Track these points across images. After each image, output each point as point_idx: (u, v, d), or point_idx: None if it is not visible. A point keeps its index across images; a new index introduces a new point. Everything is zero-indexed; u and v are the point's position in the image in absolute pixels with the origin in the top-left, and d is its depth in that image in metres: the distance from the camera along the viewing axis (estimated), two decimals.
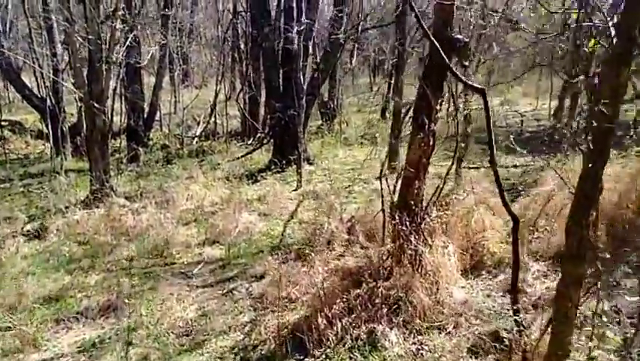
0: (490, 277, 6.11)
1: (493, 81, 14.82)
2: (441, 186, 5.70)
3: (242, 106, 17.47)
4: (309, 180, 12.01)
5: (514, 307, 4.44)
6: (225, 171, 12.50)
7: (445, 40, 5.09)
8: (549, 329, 3.70)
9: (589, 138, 3.22)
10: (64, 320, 5.98)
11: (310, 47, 13.08)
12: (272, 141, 13.89)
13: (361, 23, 15.09)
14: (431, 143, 5.39)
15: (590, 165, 3.22)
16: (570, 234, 3.42)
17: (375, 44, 23.94)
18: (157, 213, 9.04)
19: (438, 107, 5.29)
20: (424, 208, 5.51)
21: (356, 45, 17.43)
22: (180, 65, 21.76)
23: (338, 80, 19.21)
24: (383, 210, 5.72)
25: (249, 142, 15.85)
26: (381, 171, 11.26)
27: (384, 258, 5.42)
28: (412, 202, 5.49)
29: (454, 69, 4.75)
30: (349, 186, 11.65)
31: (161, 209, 9.33)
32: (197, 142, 16.66)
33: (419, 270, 5.22)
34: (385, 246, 5.46)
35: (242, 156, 13.95)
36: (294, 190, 11.26)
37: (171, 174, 11.88)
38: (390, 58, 20.40)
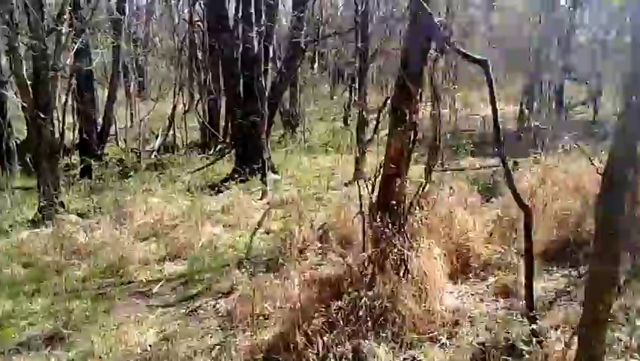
0: (479, 280, 5.62)
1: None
2: (423, 183, 5.15)
3: (201, 116, 16.72)
4: (275, 188, 11.37)
5: (531, 314, 3.91)
6: (186, 183, 11.76)
7: (424, 24, 4.60)
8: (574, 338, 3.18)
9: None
10: (2, 353, 5.14)
11: (271, 52, 12.49)
12: (234, 150, 13.19)
13: (321, 28, 14.62)
14: (412, 137, 4.86)
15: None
16: (602, 224, 2.91)
17: (334, 53, 23.56)
18: (112, 229, 8.24)
19: (418, 97, 4.76)
20: (407, 208, 4.95)
21: (317, 51, 16.93)
22: (135, 77, 20.88)
23: (299, 88, 18.70)
24: (362, 213, 5.15)
25: (210, 153, 15.11)
26: (357, 168, 10.83)
27: (366, 265, 4.83)
28: (394, 202, 4.93)
29: (450, 41, 4.25)
30: (317, 193, 11.07)
31: (117, 224, 8.52)
32: (155, 156, 15.77)
33: (405, 276, 4.66)
34: (366, 251, 4.86)
35: (203, 167, 13.21)
36: (260, 200, 10.61)
37: (128, 187, 11.03)
38: (351, 65, 20.08)
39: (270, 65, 12.29)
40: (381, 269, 4.70)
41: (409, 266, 4.69)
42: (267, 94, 10.94)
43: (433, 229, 5.48)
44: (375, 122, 5.12)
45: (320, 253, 6.73)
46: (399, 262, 4.69)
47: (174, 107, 16.56)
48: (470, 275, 5.66)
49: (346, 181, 11.91)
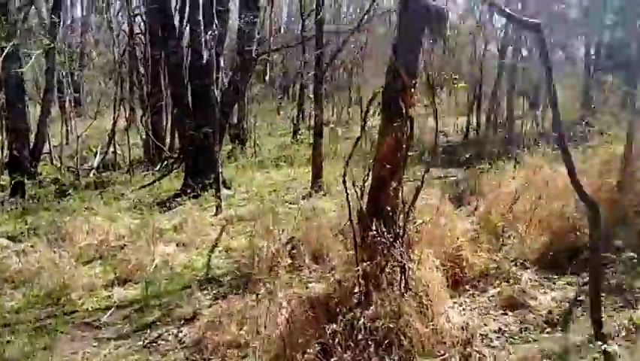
0: (478, 292, 5.08)
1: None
2: (418, 186, 4.54)
3: (145, 131, 15.64)
4: (229, 204, 10.56)
5: (600, 332, 3.32)
6: (132, 201, 10.74)
7: (420, 8, 4.06)
8: None
9: None
10: None
11: (222, 61, 11.71)
12: (184, 164, 12.26)
13: (271, 39, 14.01)
14: (409, 132, 4.26)
15: None
16: None
17: (280, 68, 23.03)
18: (50, 252, 7.17)
19: (414, 89, 4.18)
20: (405, 213, 4.34)
21: (267, 63, 16.28)
22: (71, 93, 19.46)
23: (246, 101, 17.94)
24: (351, 221, 4.48)
25: (156, 169, 14.05)
26: (314, 180, 10.13)
27: (359, 280, 4.16)
28: (389, 207, 4.31)
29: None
30: (274, 207, 10.34)
31: (55, 247, 7.44)
32: (95, 174, 14.51)
33: (406, 291, 4.03)
34: (359, 265, 4.18)
35: (150, 184, 12.19)
36: (214, 215, 9.76)
37: (66, 207, 9.90)
38: (299, 79, 19.58)
39: (221, 73, 11.50)
40: (376, 285, 4.05)
41: (409, 280, 4.06)
42: (219, 104, 10.14)
43: (424, 237, 4.90)
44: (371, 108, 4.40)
45: (291, 270, 6.01)
46: (398, 276, 4.05)
47: (114, 123, 15.38)
48: (467, 287, 5.12)
49: (304, 194, 11.29)
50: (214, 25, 10.47)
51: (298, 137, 18.63)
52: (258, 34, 12.27)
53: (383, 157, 4.34)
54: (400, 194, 4.37)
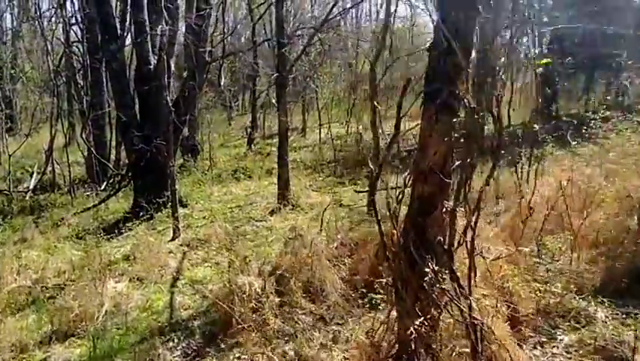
0: (545, 338, 3.85)
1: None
2: (476, 203, 3.26)
3: (87, 146, 13.90)
4: (188, 225, 9.16)
5: None
6: (74, 227, 9.16)
7: None
8: None
9: None
10: None
11: (173, 65, 10.25)
12: (132, 182, 10.71)
13: (226, 44, 12.65)
14: (475, 131, 2.98)
15: None
16: None
17: (229, 75, 21.53)
18: None
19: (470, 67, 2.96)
20: (470, 244, 3.04)
21: (222, 68, 14.87)
22: (2, 110, 17.42)
23: (198, 111, 16.42)
24: (388, 260, 3.19)
25: (101, 188, 12.40)
26: (281, 193, 9.02)
27: (412, 342, 2.88)
28: (441, 237, 3.05)
29: None
30: (239, 227, 9.02)
31: None
32: (31, 197, 12.67)
33: (477, 357, 2.79)
34: (407, 320, 2.90)
35: (94, 206, 10.58)
36: (172, 240, 8.33)
37: None
38: (250, 86, 18.24)
39: (172, 79, 10.05)
40: (429, 347, 2.83)
41: (484, 339, 2.81)
42: (171, 112, 8.72)
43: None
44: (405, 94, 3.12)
45: (281, 312, 4.73)
46: (471, 334, 2.80)
47: (52, 139, 13.57)
48: (527, 330, 3.82)
49: (271, 208, 9.99)
50: (163, 23, 9.05)
51: (253, 147, 17.32)
52: (211, 35, 10.92)
53: (427, 165, 3.06)
54: (456, 218, 3.09)
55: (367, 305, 4.80)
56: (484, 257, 3.31)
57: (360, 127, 17.01)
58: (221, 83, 14.17)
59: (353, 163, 13.90)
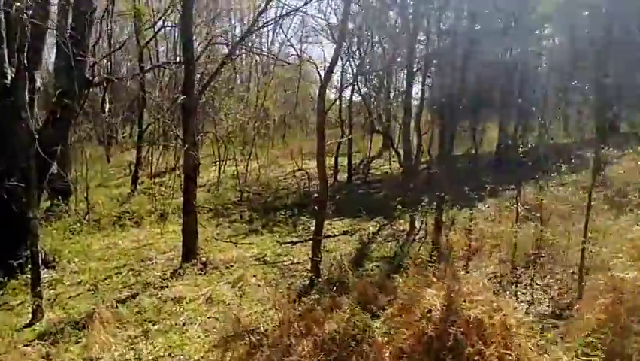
0: None
1: None
2: None
3: None
4: (55, 296, 6.38)
5: None
6: None
7: None
8: None
9: None
10: None
11: (38, 81, 7.38)
12: None
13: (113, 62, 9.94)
14: None
15: None
16: None
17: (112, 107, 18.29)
18: None
19: None
20: None
21: (107, 88, 11.90)
22: None
23: (70, 145, 13.08)
24: None
25: None
26: (186, 245, 7.25)
27: None
28: None
29: None
30: (129, 298, 6.38)
31: None
32: None
33: None
34: None
35: None
36: (30, 325, 5.54)
37: None
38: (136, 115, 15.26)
39: (35, 98, 7.15)
40: None
41: None
42: (36, 141, 5.94)
43: None
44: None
45: None
46: None
47: None
48: None
49: (173, 269, 7.40)
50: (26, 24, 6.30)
51: (139, 186, 14.21)
52: (93, 47, 8.26)
53: None
54: None
55: None
56: None
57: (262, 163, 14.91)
58: (105, 110, 11.18)
59: (263, 205, 11.71)
